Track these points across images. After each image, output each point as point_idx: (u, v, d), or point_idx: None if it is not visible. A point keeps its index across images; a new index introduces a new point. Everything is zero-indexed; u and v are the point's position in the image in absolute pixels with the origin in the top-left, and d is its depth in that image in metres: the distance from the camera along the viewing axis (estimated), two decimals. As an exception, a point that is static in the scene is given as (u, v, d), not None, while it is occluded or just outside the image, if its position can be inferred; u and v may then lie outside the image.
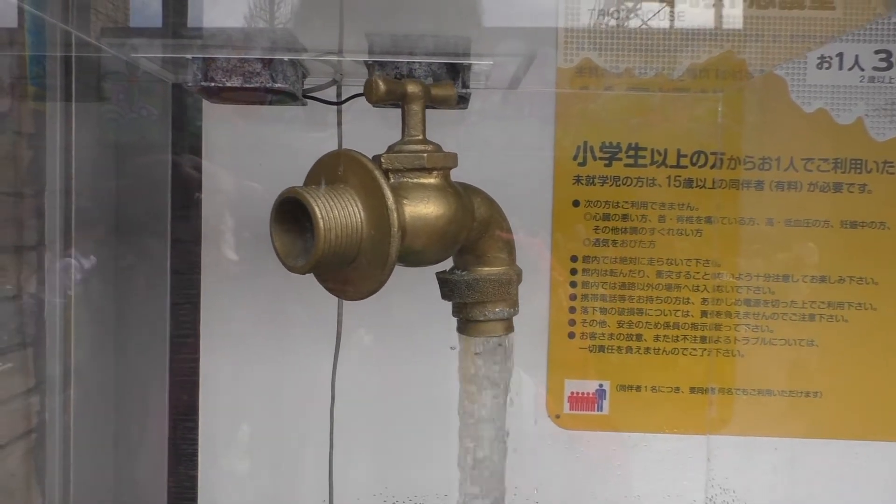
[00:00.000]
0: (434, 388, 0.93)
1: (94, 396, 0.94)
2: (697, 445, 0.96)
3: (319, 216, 0.58)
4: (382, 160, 0.63)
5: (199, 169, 0.94)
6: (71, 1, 0.78)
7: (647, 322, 0.95)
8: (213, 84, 0.74)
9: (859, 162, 0.93)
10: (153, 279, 0.96)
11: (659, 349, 0.95)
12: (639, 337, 0.95)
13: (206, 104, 0.94)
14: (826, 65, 0.92)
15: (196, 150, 0.95)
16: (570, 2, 0.91)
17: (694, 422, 0.95)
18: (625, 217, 0.94)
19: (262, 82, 0.75)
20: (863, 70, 0.92)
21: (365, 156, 0.61)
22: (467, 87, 0.77)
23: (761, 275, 0.94)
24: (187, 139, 0.95)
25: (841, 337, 0.94)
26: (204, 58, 0.74)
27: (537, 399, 0.96)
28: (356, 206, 0.60)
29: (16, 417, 0.84)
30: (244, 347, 0.96)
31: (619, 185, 0.94)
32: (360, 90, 0.66)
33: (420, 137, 0.65)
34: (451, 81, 0.73)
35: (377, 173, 0.60)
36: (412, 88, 0.65)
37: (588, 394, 0.95)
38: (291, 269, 0.60)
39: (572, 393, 0.95)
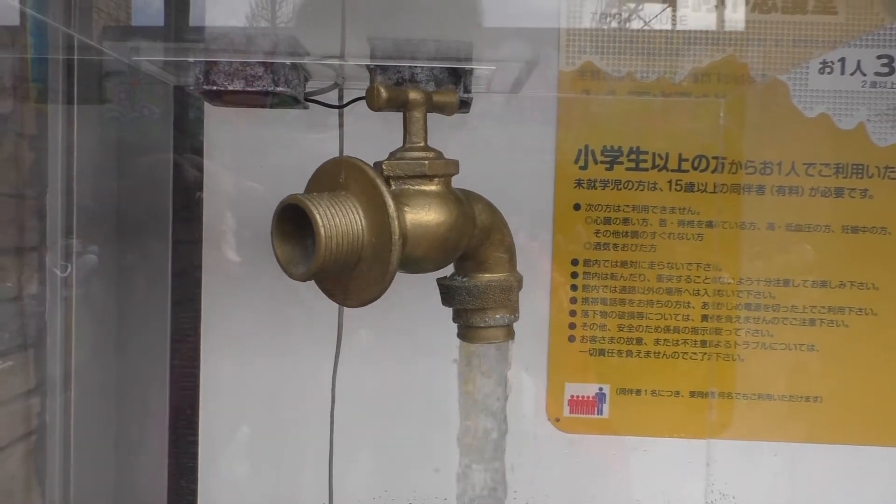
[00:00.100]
0: (434, 391, 0.93)
1: (94, 397, 0.94)
2: (697, 450, 0.96)
3: (321, 223, 0.58)
4: (384, 167, 0.63)
5: (200, 169, 0.94)
6: (73, 4, 0.78)
7: (647, 326, 0.95)
8: (215, 87, 0.75)
9: (861, 167, 0.93)
10: (154, 280, 0.96)
11: (659, 353, 0.95)
12: (639, 341, 0.95)
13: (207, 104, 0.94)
14: (828, 70, 0.92)
15: (197, 150, 0.95)
16: (572, 4, 0.91)
17: (694, 426, 0.95)
18: (626, 221, 0.94)
19: (264, 86, 0.75)
20: (865, 75, 0.92)
21: (366, 163, 0.61)
22: (469, 91, 0.77)
23: (762, 279, 0.94)
24: (189, 139, 0.95)
25: (841, 342, 0.94)
26: (206, 61, 0.74)
27: (537, 402, 0.96)
28: (357, 213, 0.60)
29: (16, 419, 0.84)
30: (245, 348, 0.96)
31: (621, 189, 0.94)
32: (362, 93, 0.65)
33: (422, 144, 0.65)
34: (452, 88, 0.73)
35: (378, 181, 0.60)
36: (414, 95, 0.64)
37: (588, 397, 0.95)
38: (292, 276, 0.60)
39: (572, 396, 0.95)
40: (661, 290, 0.94)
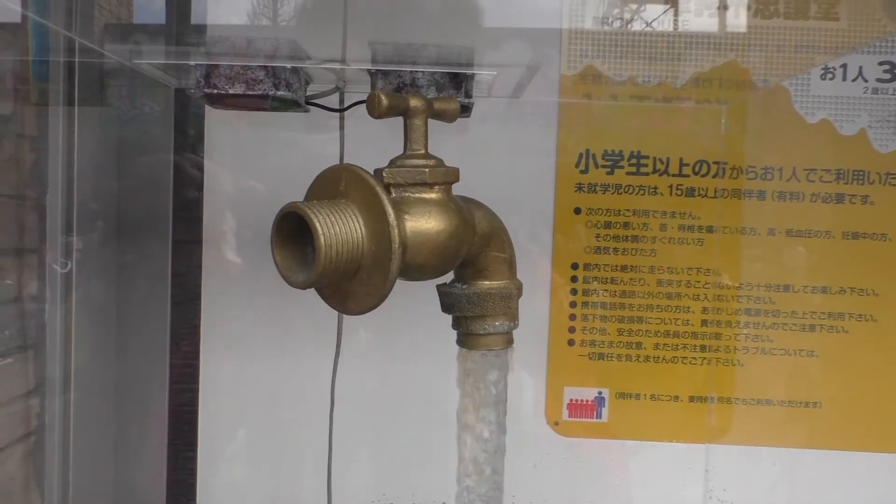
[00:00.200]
0: (434, 392, 0.93)
1: (94, 398, 0.94)
2: (696, 454, 0.96)
3: (320, 231, 0.57)
4: (384, 175, 0.63)
5: (200, 169, 0.94)
6: (74, 8, 0.78)
7: (647, 330, 0.95)
8: (215, 91, 0.74)
9: (862, 173, 0.92)
10: (154, 280, 0.96)
11: (659, 357, 0.95)
12: (638, 345, 0.95)
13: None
14: (830, 76, 0.91)
15: (198, 151, 0.95)
16: (574, 9, 0.90)
17: (693, 430, 0.96)
18: (626, 225, 0.94)
19: (264, 90, 0.74)
20: (866, 81, 0.91)
21: (366, 171, 0.61)
22: (470, 96, 0.76)
23: (762, 284, 0.94)
24: (189, 139, 0.95)
25: (841, 348, 0.94)
26: (207, 64, 0.74)
27: (536, 405, 0.96)
28: (357, 221, 0.59)
29: (15, 419, 0.84)
30: (244, 348, 0.96)
31: (621, 193, 0.94)
32: (363, 97, 0.65)
33: (422, 152, 0.65)
34: (453, 95, 0.73)
35: (378, 188, 0.59)
36: (415, 103, 0.64)
37: (587, 401, 0.95)
38: (292, 284, 0.60)
39: (571, 400, 0.95)
40: (660, 295, 0.94)
